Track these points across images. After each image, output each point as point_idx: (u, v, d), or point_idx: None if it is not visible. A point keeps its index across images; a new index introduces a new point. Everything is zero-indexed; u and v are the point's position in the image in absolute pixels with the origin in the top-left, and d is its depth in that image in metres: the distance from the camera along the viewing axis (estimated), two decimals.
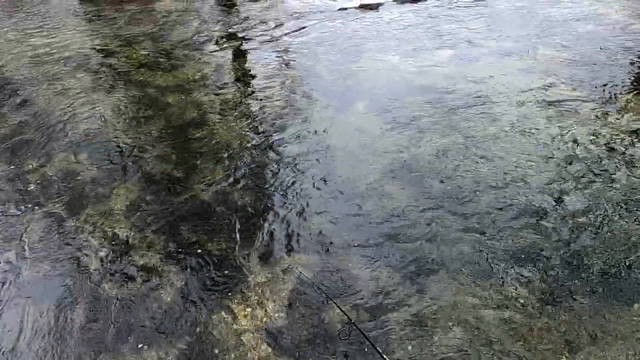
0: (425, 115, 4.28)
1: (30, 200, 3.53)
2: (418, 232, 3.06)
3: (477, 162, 3.66)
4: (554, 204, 3.23)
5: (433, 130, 4.07)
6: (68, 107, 4.85)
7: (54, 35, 7.42)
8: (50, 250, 3.08)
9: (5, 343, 2.50)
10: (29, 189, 3.65)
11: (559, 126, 4.03)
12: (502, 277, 2.74)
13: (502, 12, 6.91)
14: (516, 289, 2.66)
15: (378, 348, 2.32)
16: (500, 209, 3.21)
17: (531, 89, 4.63)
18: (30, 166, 3.91)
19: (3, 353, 2.45)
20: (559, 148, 3.77)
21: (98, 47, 6.79)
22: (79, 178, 3.74)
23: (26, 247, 3.10)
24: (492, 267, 2.81)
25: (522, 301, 2.59)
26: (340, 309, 2.54)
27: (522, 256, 2.86)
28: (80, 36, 7.41)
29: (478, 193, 3.36)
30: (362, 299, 2.64)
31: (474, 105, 4.39)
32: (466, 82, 4.82)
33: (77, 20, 8.54)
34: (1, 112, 4.87)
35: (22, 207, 3.46)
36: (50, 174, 3.79)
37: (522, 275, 2.74)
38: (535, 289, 2.66)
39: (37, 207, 3.45)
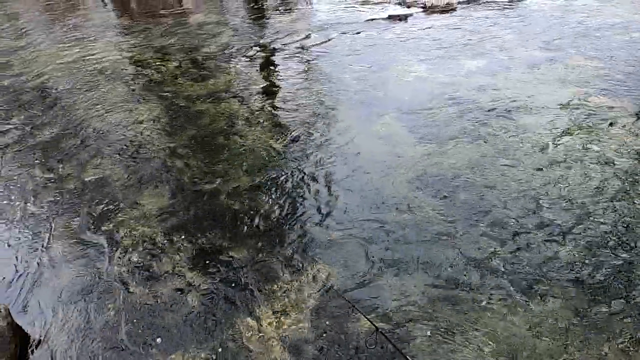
0: (453, 126, 4.23)
1: (66, 203, 3.67)
2: (446, 245, 3.01)
3: (506, 174, 3.58)
4: (585, 218, 3.12)
5: (461, 141, 4.02)
6: (103, 115, 5.04)
7: (91, 47, 7.74)
8: (82, 251, 3.19)
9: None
10: (65, 193, 3.80)
11: (592, 138, 3.91)
12: (534, 292, 2.65)
13: (533, 20, 6.80)
14: (549, 303, 2.57)
15: (407, 355, 2.28)
16: (529, 222, 3.12)
17: (564, 100, 4.51)
18: (67, 171, 4.07)
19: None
20: (591, 161, 3.65)
21: (133, 59, 7.04)
22: (112, 183, 3.87)
23: (51, 246, 3.23)
24: (523, 282, 2.72)
25: (555, 315, 2.50)
26: (367, 318, 2.52)
27: (554, 273, 2.77)
28: (116, 48, 7.70)
29: (507, 206, 3.28)
30: (388, 309, 2.61)
31: (504, 116, 4.32)
32: (496, 92, 4.75)
33: (114, 33, 8.90)
34: (41, 120, 5.11)
35: (58, 211, 3.60)
36: (85, 179, 3.94)
37: (554, 290, 2.65)
38: (568, 305, 2.56)
39: (71, 211, 3.58)
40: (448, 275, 2.80)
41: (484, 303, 2.60)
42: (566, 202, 3.26)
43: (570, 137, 3.95)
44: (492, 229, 3.10)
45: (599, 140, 3.88)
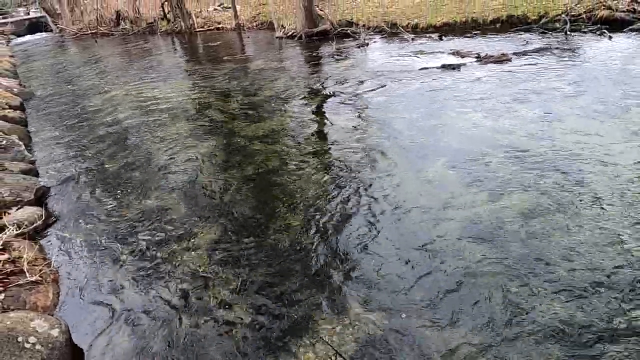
0: (507, 176, 4.14)
1: (127, 232, 3.92)
2: (496, 298, 2.89)
3: (562, 227, 3.42)
4: None
5: (514, 191, 3.91)
6: (167, 151, 5.41)
7: (161, 89, 8.42)
8: (144, 274, 3.36)
9: None
10: (127, 221, 4.06)
11: None
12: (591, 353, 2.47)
13: (592, 71, 6.64)
14: None
15: None
16: (588, 278, 2.94)
17: (626, 152, 4.31)
18: (131, 202, 4.37)
19: None
20: None
21: (197, 100, 7.57)
22: (170, 214, 4.10)
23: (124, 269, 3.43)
24: (579, 342, 2.55)
25: None
26: (329, 345, 2.55)
27: (616, 333, 2.57)
28: (183, 90, 8.32)
29: (562, 259, 3.12)
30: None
31: (560, 167, 4.17)
32: (552, 142, 4.63)
33: (182, 76, 9.64)
34: (112, 155, 5.56)
35: (121, 237, 3.85)
36: (146, 210, 4.20)
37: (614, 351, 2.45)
38: None
39: (130, 239, 3.81)
40: (495, 330, 2.67)
41: None
42: (631, 259, 3.06)
43: (634, 190, 3.74)
44: (548, 284, 2.95)
45: None
